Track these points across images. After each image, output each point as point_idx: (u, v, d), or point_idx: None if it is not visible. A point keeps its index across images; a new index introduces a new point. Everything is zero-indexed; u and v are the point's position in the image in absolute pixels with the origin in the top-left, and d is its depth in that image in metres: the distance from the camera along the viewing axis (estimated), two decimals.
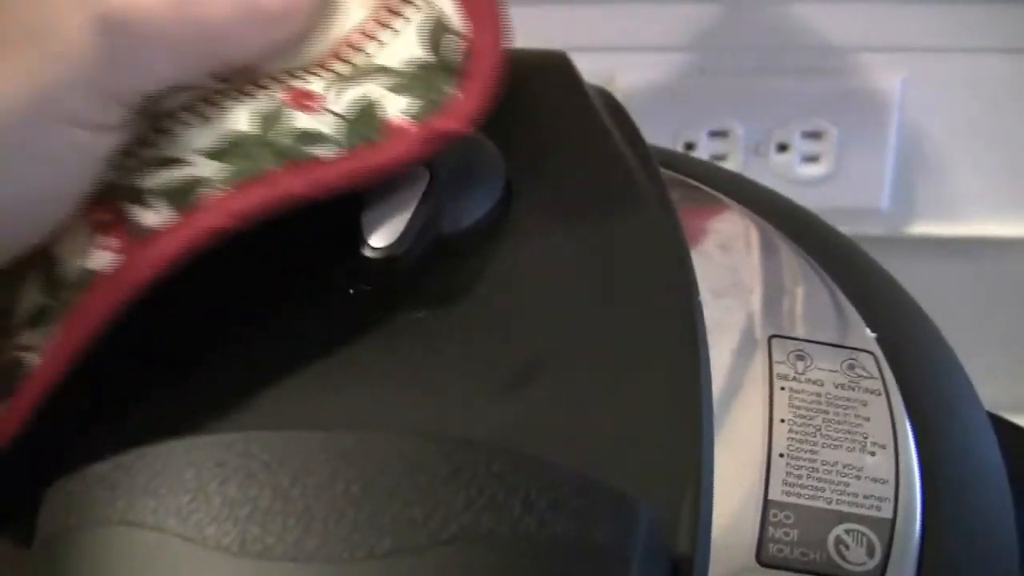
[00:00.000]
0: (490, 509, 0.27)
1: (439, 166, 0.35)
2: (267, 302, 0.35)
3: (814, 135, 0.63)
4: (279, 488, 0.28)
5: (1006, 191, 0.65)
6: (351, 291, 0.35)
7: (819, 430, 0.33)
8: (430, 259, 0.35)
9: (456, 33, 0.34)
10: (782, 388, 0.34)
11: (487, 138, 0.39)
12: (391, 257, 0.33)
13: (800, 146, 0.64)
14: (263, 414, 0.32)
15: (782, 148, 0.64)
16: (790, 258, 0.40)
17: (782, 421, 0.34)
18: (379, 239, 0.34)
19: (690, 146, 0.64)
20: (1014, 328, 0.70)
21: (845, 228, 0.44)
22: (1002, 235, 0.66)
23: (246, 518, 0.27)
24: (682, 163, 0.45)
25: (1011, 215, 0.65)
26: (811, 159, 0.64)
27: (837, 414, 0.34)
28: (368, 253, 0.34)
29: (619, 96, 0.46)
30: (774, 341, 0.36)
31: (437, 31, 0.34)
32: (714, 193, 0.43)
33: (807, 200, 0.45)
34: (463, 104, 0.33)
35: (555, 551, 0.27)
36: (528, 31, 0.58)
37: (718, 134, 0.64)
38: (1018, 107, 0.61)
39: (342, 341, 0.34)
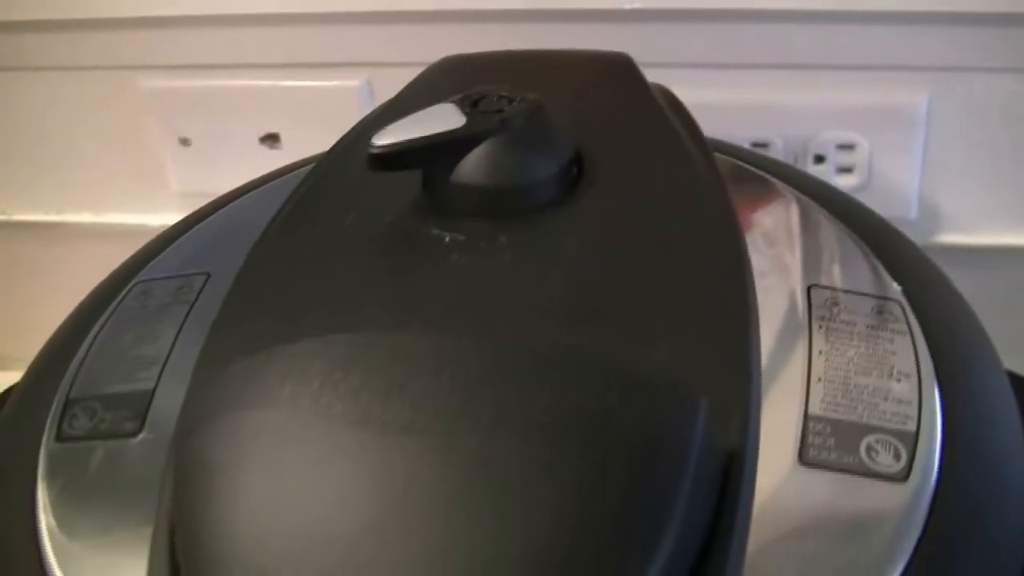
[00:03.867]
0: (575, 400, 0.32)
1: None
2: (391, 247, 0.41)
3: (847, 147, 0.69)
4: (394, 380, 0.33)
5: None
6: (446, 239, 0.41)
7: (852, 360, 0.38)
8: (515, 214, 0.41)
9: None
10: (820, 327, 0.39)
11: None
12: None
13: (835, 157, 0.69)
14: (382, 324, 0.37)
15: (819, 159, 0.69)
16: (827, 226, 0.45)
17: (820, 353, 0.39)
18: (381, 140, 0.41)
19: None
20: None
21: None
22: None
23: (367, 401, 0.33)
24: (733, 149, 0.51)
25: None
26: (845, 170, 0.69)
27: (867, 348, 0.39)
28: (370, 149, 0.40)
29: None
30: (813, 290, 0.41)
31: None
32: (761, 173, 0.48)
33: None
34: None
35: (628, 437, 0.32)
36: (595, 45, 0.64)
37: (759, 145, 0.69)
38: None
39: (446, 277, 0.39)
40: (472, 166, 0.41)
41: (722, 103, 0.68)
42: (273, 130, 0.76)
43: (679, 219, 0.41)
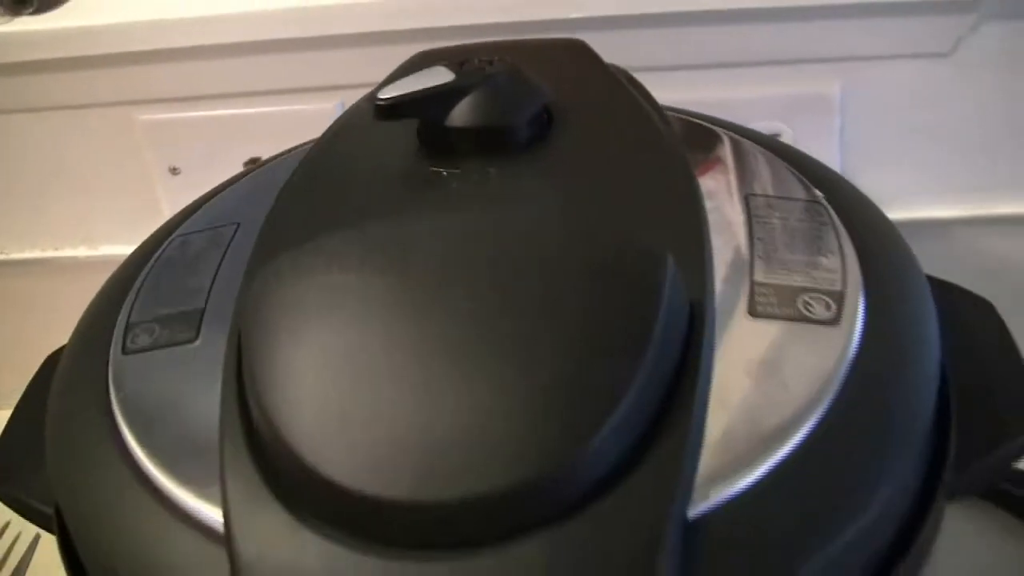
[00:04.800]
0: (571, 257, 0.40)
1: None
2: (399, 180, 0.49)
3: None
4: (415, 256, 0.41)
5: (935, 177, 0.79)
6: (443, 173, 0.49)
7: (785, 244, 0.47)
8: (500, 152, 0.49)
9: None
10: (758, 222, 0.48)
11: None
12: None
13: None
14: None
15: None
16: (758, 155, 0.54)
17: (760, 239, 0.47)
18: (386, 93, 0.49)
19: None
20: None
21: None
22: (936, 216, 0.79)
23: (397, 274, 0.41)
24: (677, 110, 0.59)
25: (942, 198, 0.79)
26: None
27: (798, 233, 0.47)
28: (376, 101, 0.48)
29: None
30: (750, 197, 0.49)
31: None
32: (706, 124, 0.57)
33: None
34: None
35: (614, 282, 0.40)
36: None
37: None
38: (932, 102, 0.75)
39: (449, 199, 0.47)
40: (464, 112, 0.49)
41: (661, 97, 0.77)
42: (256, 154, 0.83)
43: (638, 150, 0.50)
